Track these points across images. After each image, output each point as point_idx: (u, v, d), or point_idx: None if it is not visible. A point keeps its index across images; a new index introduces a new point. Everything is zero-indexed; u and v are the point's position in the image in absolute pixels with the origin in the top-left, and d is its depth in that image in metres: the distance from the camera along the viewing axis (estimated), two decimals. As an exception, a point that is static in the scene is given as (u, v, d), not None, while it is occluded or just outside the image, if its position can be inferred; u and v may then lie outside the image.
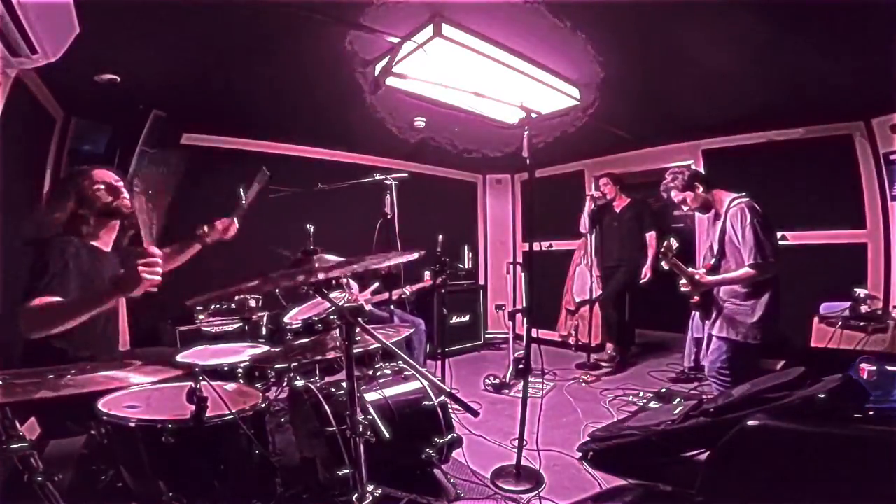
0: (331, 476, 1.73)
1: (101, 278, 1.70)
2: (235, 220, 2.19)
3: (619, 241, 4.33)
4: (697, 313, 2.90)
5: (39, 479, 0.98)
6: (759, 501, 1.51)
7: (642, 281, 4.11)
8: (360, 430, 1.35)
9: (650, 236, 4.16)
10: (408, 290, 3.94)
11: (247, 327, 3.37)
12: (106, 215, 1.82)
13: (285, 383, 2.59)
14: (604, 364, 4.26)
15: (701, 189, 2.64)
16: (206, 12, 2.02)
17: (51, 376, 1.16)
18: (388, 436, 1.61)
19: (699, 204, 2.67)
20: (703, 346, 2.73)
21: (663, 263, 2.72)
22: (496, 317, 5.36)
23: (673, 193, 2.72)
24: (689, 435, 2.10)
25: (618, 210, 4.38)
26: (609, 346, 4.43)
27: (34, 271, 1.57)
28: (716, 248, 2.60)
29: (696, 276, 2.60)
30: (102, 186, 1.81)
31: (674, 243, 2.67)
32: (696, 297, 2.70)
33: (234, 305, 3.55)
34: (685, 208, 2.78)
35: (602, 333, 4.61)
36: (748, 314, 2.47)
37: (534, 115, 2.41)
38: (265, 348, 2.26)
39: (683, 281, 2.66)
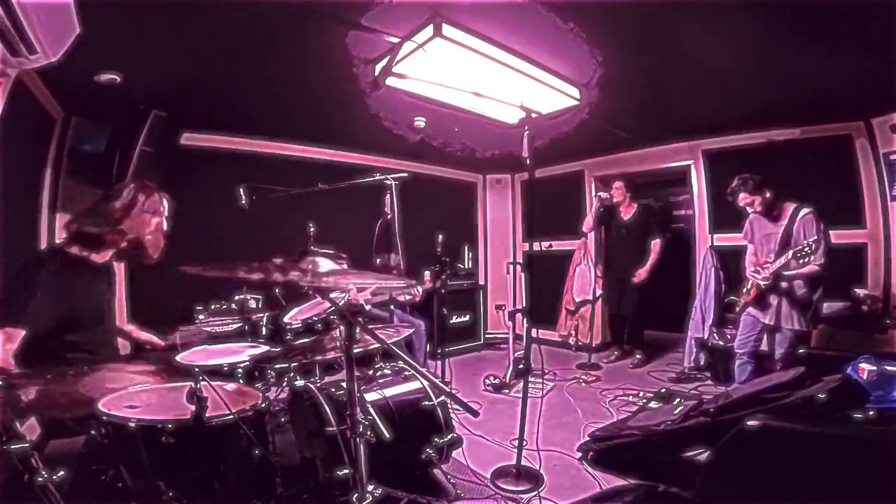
0: (331, 476, 1.73)
1: (88, 293, 1.73)
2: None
3: (629, 249, 4.36)
4: (750, 308, 3.08)
5: (39, 479, 0.99)
6: (759, 501, 1.51)
7: (635, 280, 4.19)
8: (360, 430, 1.35)
9: (655, 243, 4.21)
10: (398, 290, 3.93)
11: (247, 327, 3.37)
12: (129, 241, 1.83)
13: (285, 383, 2.59)
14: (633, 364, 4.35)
15: (769, 195, 2.96)
16: (206, 12, 2.02)
17: (48, 375, 1.17)
18: (388, 436, 1.61)
19: (764, 208, 2.98)
20: (755, 338, 3.05)
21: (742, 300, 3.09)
22: (496, 317, 5.36)
23: (741, 196, 3.02)
24: (689, 435, 2.09)
25: (625, 217, 4.39)
26: (638, 353, 4.46)
27: (6, 292, 1.59)
28: (776, 249, 2.90)
29: (778, 266, 2.86)
30: (153, 223, 1.84)
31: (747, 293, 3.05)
32: (755, 292, 2.98)
33: (234, 305, 3.55)
34: (749, 210, 3.07)
35: (626, 340, 4.61)
36: (810, 306, 2.87)
37: (534, 115, 2.40)
38: (265, 348, 2.26)
39: (764, 275, 2.90)
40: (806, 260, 2.72)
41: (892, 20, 2.00)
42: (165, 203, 1.92)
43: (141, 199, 1.82)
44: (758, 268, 2.96)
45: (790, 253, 2.75)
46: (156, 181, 3.21)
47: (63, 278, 1.68)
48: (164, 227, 1.89)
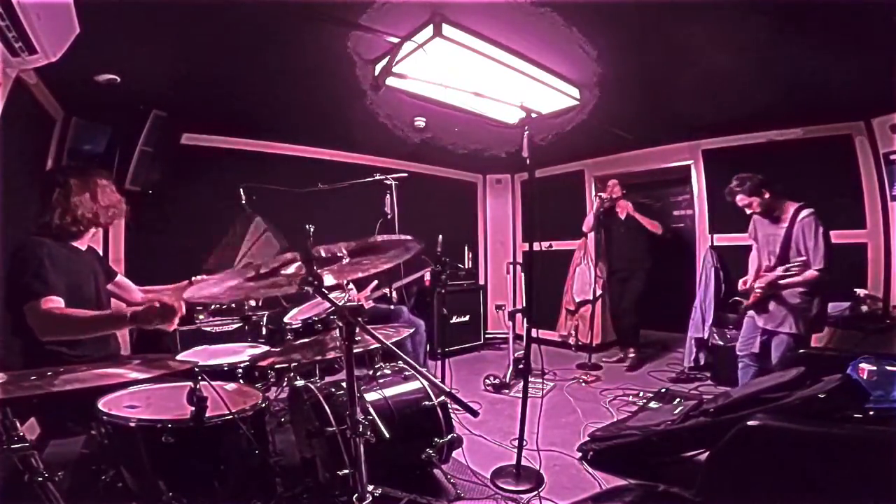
0: (331, 476, 1.73)
1: (80, 275, 1.73)
2: None
3: (628, 246, 4.38)
4: (748, 312, 3.00)
5: (39, 479, 0.99)
6: (759, 501, 1.51)
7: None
8: (360, 430, 1.35)
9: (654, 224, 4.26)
10: (398, 283, 3.92)
11: (247, 327, 3.37)
12: (97, 224, 1.83)
13: (285, 383, 2.59)
14: (624, 362, 4.35)
15: (768, 196, 2.87)
16: (207, 12, 2.02)
17: (49, 373, 1.17)
18: (388, 436, 1.61)
19: (763, 209, 2.89)
20: (756, 340, 2.94)
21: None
22: (496, 317, 5.35)
23: (738, 197, 2.93)
24: (689, 435, 2.10)
25: (623, 217, 4.40)
26: (630, 350, 4.45)
27: (12, 274, 1.58)
28: (777, 251, 2.83)
29: (775, 276, 2.76)
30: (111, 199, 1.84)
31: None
32: (754, 297, 2.88)
33: (233, 305, 3.55)
34: (748, 212, 2.98)
35: (620, 338, 4.63)
36: (810, 310, 2.73)
37: (534, 115, 2.40)
38: (265, 348, 2.26)
39: (760, 284, 2.82)
40: (797, 270, 2.69)
41: (892, 20, 2.00)
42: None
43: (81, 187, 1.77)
44: (760, 274, 2.90)
45: (779, 270, 2.74)
46: (156, 181, 3.25)
47: (61, 251, 1.68)
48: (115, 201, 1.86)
